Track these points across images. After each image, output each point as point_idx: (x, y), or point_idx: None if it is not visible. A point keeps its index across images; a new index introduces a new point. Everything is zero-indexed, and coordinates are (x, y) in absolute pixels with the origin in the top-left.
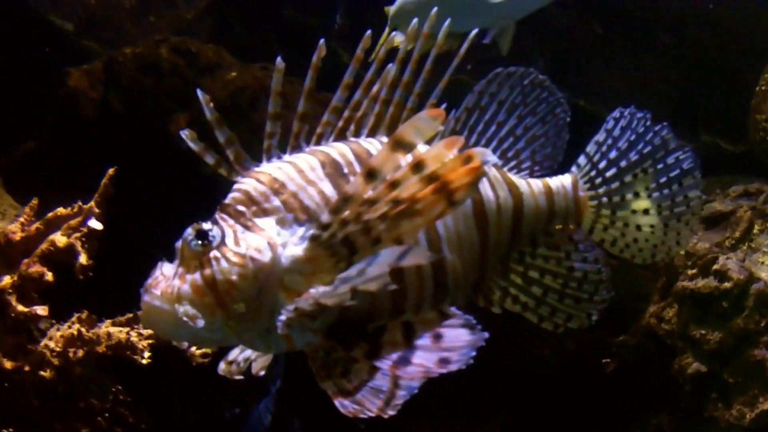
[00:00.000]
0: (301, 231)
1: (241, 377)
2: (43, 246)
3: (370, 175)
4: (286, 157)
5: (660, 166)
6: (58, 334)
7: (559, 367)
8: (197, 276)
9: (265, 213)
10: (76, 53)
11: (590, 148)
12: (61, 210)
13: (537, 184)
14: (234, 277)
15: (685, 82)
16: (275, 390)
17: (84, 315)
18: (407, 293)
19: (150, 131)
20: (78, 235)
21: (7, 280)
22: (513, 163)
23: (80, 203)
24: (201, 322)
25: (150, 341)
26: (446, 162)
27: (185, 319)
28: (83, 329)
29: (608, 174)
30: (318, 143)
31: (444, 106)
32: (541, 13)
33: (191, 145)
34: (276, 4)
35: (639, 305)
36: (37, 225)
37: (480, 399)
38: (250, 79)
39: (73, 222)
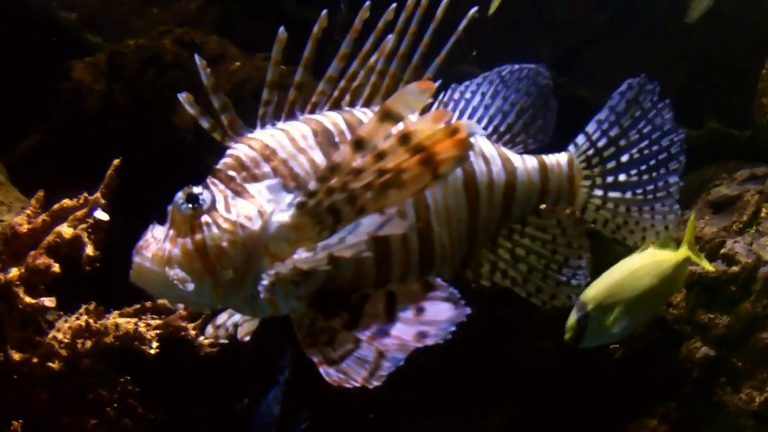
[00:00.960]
0: (288, 198)
1: (227, 341)
2: (50, 238)
3: (358, 145)
4: (280, 124)
5: (655, 147)
6: (66, 325)
7: (564, 356)
8: (188, 241)
9: (255, 179)
10: (79, 46)
11: (591, 127)
12: (66, 201)
13: (531, 160)
14: (224, 244)
15: (690, 73)
16: (284, 380)
17: (92, 306)
18: (392, 264)
19: (154, 123)
20: (84, 226)
21: (14, 272)
22: (507, 137)
23: (86, 194)
24: (190, 286)
25: (158, 332)
26: (433, 134)
27: (175, 282)
28: (91, 320)
29: (605, 153)
30: (312, 112)
31: (439, 82)
32: (547, 3)
33: (188, 108)
34: None
35: None
36: (43, 217)
37: (485, 391)
38: (254, 70)
39: (79, 213)
